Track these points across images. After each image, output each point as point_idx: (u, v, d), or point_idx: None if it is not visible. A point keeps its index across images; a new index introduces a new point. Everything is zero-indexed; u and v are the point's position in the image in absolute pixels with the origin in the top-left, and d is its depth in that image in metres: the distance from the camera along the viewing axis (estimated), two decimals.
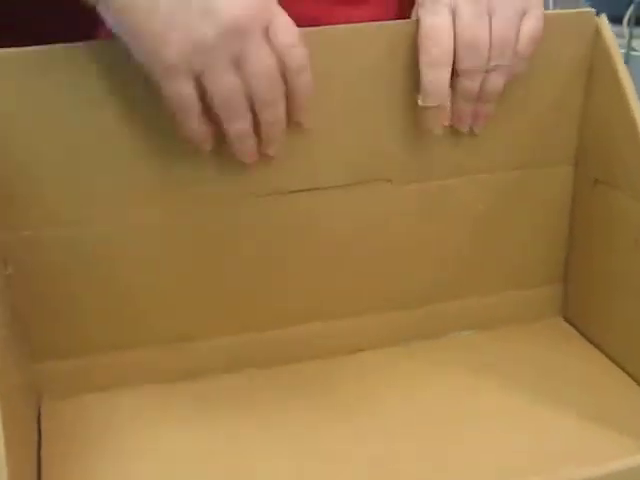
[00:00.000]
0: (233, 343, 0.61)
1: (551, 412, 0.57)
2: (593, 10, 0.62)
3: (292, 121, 0.52)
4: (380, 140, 0.58)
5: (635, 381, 0.60)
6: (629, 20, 1.57)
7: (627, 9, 1.58)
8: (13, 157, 0.51)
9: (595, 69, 0.61)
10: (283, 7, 0.48)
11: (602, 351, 0.64)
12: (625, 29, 1.57)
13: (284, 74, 0.49)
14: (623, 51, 1.56)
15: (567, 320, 0.68)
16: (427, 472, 0.52)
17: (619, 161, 0.60)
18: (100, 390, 0.59)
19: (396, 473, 0.52)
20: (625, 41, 1.55)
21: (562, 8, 1.73)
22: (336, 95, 0.55)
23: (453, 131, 0.59)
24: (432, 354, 0.64)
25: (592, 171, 0.63)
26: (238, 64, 0.46)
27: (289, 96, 0.50)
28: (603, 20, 0.61)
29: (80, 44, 0.50)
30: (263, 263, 0.59)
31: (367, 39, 0.55)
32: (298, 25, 0.49)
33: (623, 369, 0.62)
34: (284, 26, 0.48)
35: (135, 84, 0.50)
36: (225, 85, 0.47)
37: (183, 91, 0.47)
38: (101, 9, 0.46)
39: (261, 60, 0.47)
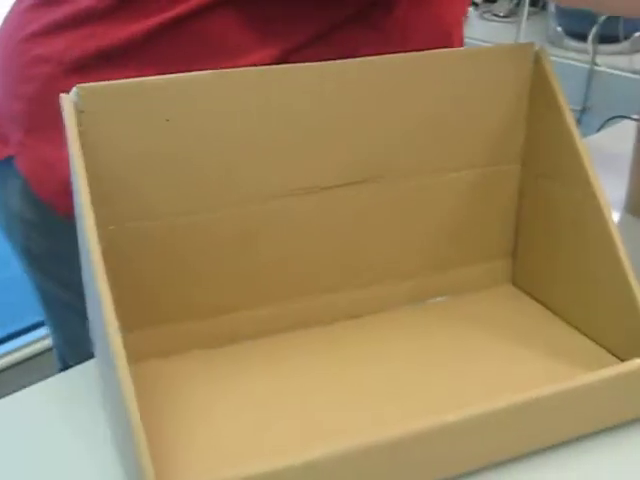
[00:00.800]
0: (264, 312, 0.74)
1: (515, 349, 0.73)
2: (534, 43, 0.78)
3: None
4: (374, 144, 0.72)
5: (571, 325, 0.76)
6: (593, 38, 1.71)
7: (592, 28, 1.72)
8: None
9: (537, 89, 0.74)
10: None
11: (545, 306, 0.79)
12: (590, 46, 1.71)
13: None
14: (587, 66, 1.69)
15: (515, 286, 0.83)
16: (433, 397, 0.66)
17: (557, 160, 0.73)
18: (162, 356, 0.70)
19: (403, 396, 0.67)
20: (590, 57, 1.70)
21: (533, 26, 1.87)
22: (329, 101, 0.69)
23: (429, 140, 0.74)
24: (418, 315, 0.78)
25: (536, 168, 0.77)
26: None
27: None
28: (543, 50, 0.77)
29: None
30: (282, 251, 0.73)
31: None
32: None
33: (562, 318, 0.77)
34: None
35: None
36: None
37: None
38: None
39: None
